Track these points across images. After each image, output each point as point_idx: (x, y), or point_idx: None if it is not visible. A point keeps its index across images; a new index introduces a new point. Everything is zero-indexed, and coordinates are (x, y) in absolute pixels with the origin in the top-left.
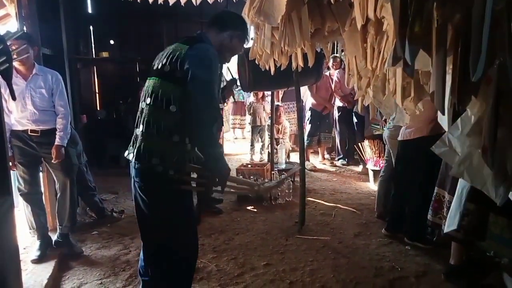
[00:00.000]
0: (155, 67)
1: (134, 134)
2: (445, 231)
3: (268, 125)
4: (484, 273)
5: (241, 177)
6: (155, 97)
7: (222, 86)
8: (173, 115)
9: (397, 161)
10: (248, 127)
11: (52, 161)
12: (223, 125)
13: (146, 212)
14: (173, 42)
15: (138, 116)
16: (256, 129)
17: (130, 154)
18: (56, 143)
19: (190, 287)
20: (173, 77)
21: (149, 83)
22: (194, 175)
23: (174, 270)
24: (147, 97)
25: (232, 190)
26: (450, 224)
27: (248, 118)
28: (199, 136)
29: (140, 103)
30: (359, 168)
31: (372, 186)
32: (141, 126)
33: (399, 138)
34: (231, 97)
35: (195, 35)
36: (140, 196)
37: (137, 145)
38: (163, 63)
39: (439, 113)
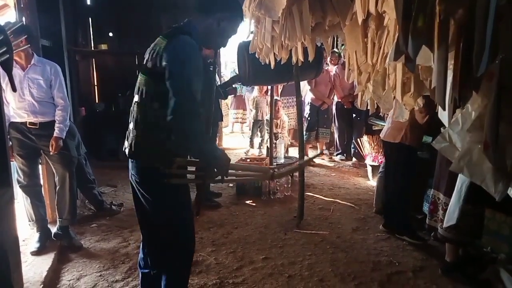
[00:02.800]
0: (144, 62)
1: (128, 129)
2: (444, 226)
3: (267, 120)
4: (481, 268)
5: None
6: (141, 94)
7: (223, 82)
8: (157, 112)
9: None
10: (248, 122)
11: (50, 152)
12: (222, 120)
13: (144, 205)
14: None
15: (131, 112)
16: (257, 123)
17: (126, 149)
18: (55, 134)
19: (188, 278)
20: (154, 73)
21: (139, 79)
22: (192, 168)
23: (173, 262)
24: (136, 94)
25: (239, 177)
26: (449, 219)
27: (250, 112)
28: (181, 132)
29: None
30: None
31: (371, 181)
32: (131, 123)
33: (381, 136)
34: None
35: (182, 24)
36: (138, 190)
37: (130, 142)
38: (147, 58)
39: (439, 108)
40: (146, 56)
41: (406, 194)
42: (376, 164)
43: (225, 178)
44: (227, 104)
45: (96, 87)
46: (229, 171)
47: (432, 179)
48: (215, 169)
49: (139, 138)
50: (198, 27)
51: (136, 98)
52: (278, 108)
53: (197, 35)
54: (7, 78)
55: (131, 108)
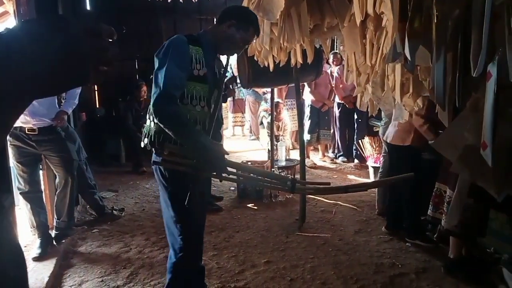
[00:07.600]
0: None
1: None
2: (445, 226)
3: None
4: (484, 269)
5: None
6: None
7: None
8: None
9: (389, 160)
10: (247, 125)
11: (54, 124)
12: (223, 123)
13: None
14: None
15: None
16: None
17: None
18: (62, 108)
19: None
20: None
21: None
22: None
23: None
24: None
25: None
26: (450, 219)
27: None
28: (157, 115)
29: None
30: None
31: None
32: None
33: (385, 139)
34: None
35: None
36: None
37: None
38: None
39: (439, 108)
40: None
41: (418, 198)
42: (378, 165)
43: (225, 175)
44: (226, 107)
45: (96, 92)
46: (231, 169)
47: None
48: (210, 163)
49: (147, 126)
50: (210, 34)
51: None
52: (280, 111)
53: (206, 40)
54: None
55: None
